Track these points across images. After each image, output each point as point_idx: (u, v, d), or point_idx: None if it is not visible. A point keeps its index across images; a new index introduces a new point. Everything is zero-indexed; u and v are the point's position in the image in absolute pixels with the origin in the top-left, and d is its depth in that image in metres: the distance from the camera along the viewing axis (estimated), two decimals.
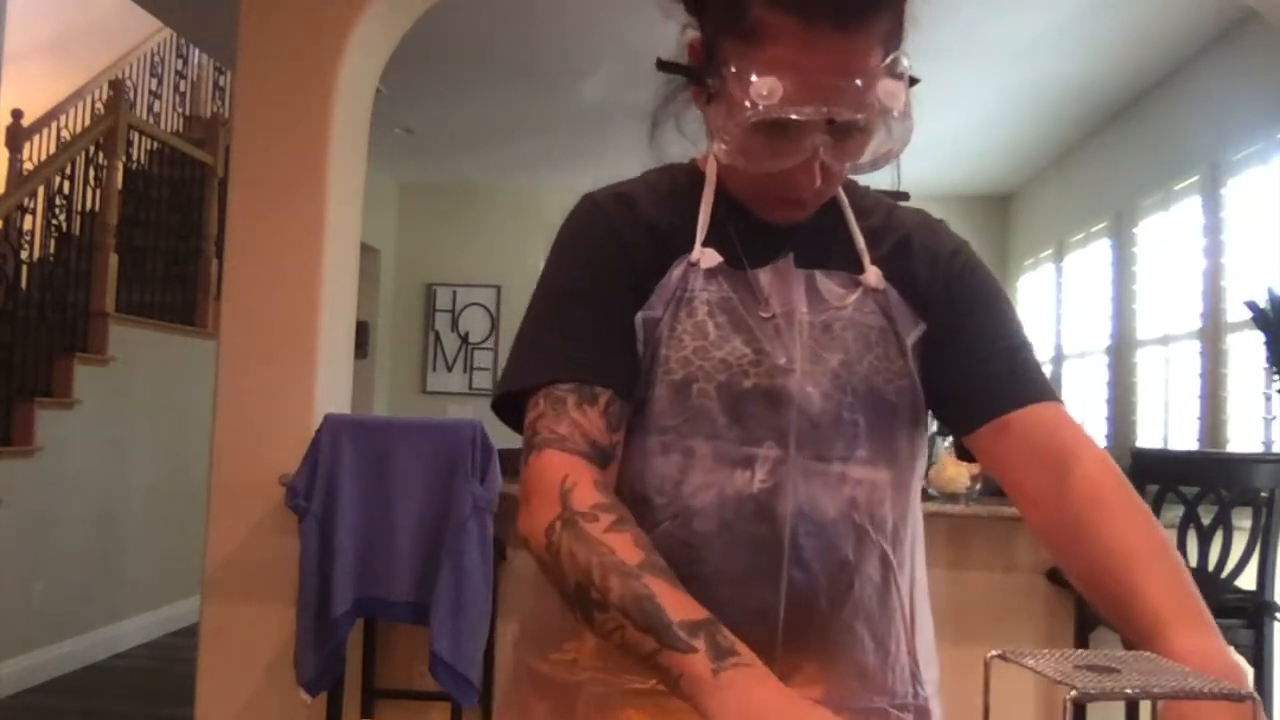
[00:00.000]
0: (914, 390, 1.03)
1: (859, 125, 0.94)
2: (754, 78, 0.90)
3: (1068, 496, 0.96)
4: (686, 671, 0.79)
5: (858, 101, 0.90)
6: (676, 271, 1.02)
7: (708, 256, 1.02)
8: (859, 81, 0.90)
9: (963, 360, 1.03)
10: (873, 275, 1.05)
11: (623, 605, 0.84)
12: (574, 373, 0.97)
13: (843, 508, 0.99)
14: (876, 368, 1.02)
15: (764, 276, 1.03)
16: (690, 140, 1.08)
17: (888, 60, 0.92)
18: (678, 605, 0.83)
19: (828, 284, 1.04)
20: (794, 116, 0.90)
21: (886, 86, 0.91)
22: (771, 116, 0.91)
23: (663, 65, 1.02)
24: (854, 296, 1.04)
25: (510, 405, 1.03)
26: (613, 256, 1.02)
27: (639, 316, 1.01)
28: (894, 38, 0.93)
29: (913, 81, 0.94)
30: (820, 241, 1.06)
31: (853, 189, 1.11)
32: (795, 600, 0.98)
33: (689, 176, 1.09)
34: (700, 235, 1.04)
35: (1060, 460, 0.97)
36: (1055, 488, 0.97)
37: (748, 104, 0.90)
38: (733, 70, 0.92)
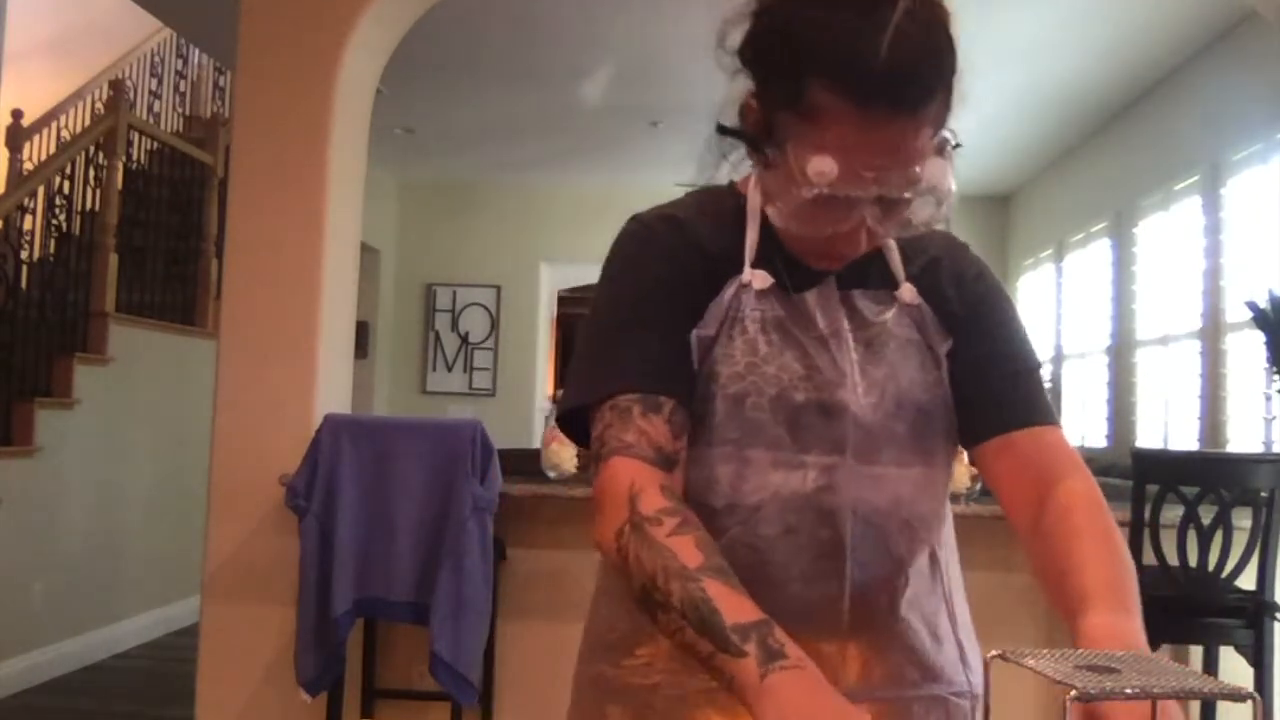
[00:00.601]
0: (946, 399, 1.10)
1: (906, 198, 0.99)
2: (812, 158, 0.94)
3: (1045, 505, 1.03)
4: (737, 675, 0.84)
5: (907, 181, 0.95)
6: (729, 292, 1.07)
7: (759, 278, 1.07)
8: (909, 162, 0.95)
9: (978, 377, 1.10)
10: (908, 292, 1.11)
11: (682, 608, 0.88)
12: (637, 383, 1.02)
13: (890, 506, 1.06)
14: (915, 379, 1.08)
15: (810, 298, 1.08)
16: (732, 164, 1.11)
17: (936, 140, 0.96)
18: (733, 608, 0.87)
19: (865, 302, 1.09)
20: (847, 194, 0.95)
21: (934, 165, 0.96)
22: (827, 192, 0.95)
23: (723, 130, 1.05)
24: (891, 312, 1.10)
25: (574, 420, 1.07)
26: (667, 275, 1.07)
27: (693, 334, 1.06)
28: (942, 117, 0.97)
29: (956, 147, 0.99)
30: (859, 262, 1.09)
31: None
32: (857, 595, 1.04)
33: (733, 200, 1.13)
34: (749, 256, 1.08)
35: (1049, 478, 1.05)
36: (1037, 498, 1.04)
37: (805, 180, 0.94)
38: (791, 147, 0.96)
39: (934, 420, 1.09)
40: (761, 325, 1.06)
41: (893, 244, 1.12)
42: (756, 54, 1.00)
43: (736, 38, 1.02)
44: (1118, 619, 0.91)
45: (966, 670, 1.11)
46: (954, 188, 0.98)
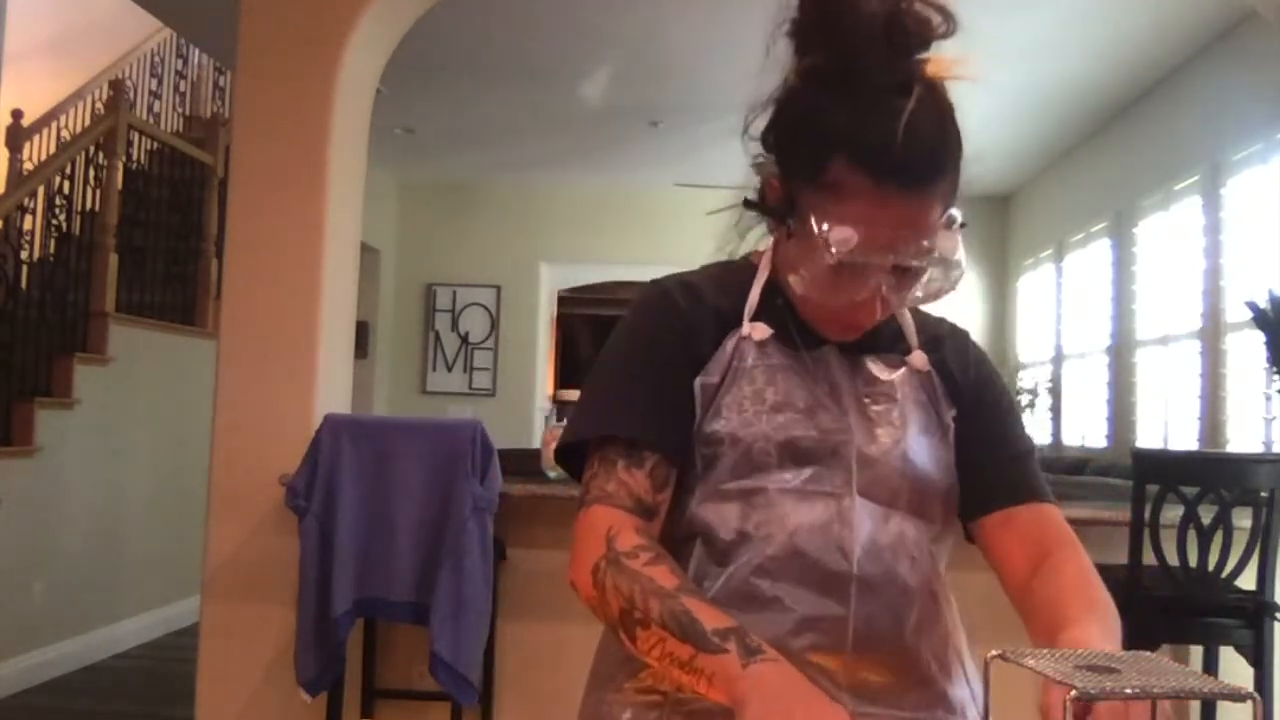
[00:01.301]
0: (950, 465, 1.15)
1: (919, 269, 1.06)
2: (835, 227, 1.02)
3: (1038, 569, 1.11)
4: (719, 670, 0.91)
5: (919, 251, 1.03)
6: (730, 343, 1.13)
7: (758, 330, 1.13)
8: (921, 234, 1.03)
9: (983, 456, 1.16)
10: (919, 359, 1.17)
11: (663, 621, 0.96)
12: (625, 433, 1.09)
13: (894, 539, 1.10)
14: (921, 440, 1.14)
15: (814, 357, 1.14)
16: (750, 243, 1.21)
17: (945, 217, 1.04)
18: (710, 617, 0.95)
19: (877, 365, 1.16)
20: (865, 262, 1.03)
21: (945, 239, 1.04)
22: (846, 261, 1.02)
23: (750, 204, 1.14)
24: (900, 373, 1.16)
25: (572, 455, 1.15)
26: (674, 335, 1.13)
27: (697, 383, 1.12)
28: (952, 195, 1.06)
29: (962, 226, 1.07)
30: (871, 330, 1.15)
31: None
32: (863, 620, 1.06)
33: (747, 269, 1.20)
34: (749, 312, 1.15)
35: (1046, 549, 1.13)
36: (1033, 567, 1.12)
37: (827, 250, 1.02)
38: (814, 218, 1.03)
39: (935, 484, 1.13)
40: (769, 375, 1.12)
41: (907, 312, 1.19)
42: (782, 133, 1.09)
43: (760, 124, 1.11)
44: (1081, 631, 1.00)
45: (976, 704, 1.13)
46: (963, 260, 1.07)
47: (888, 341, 1.18)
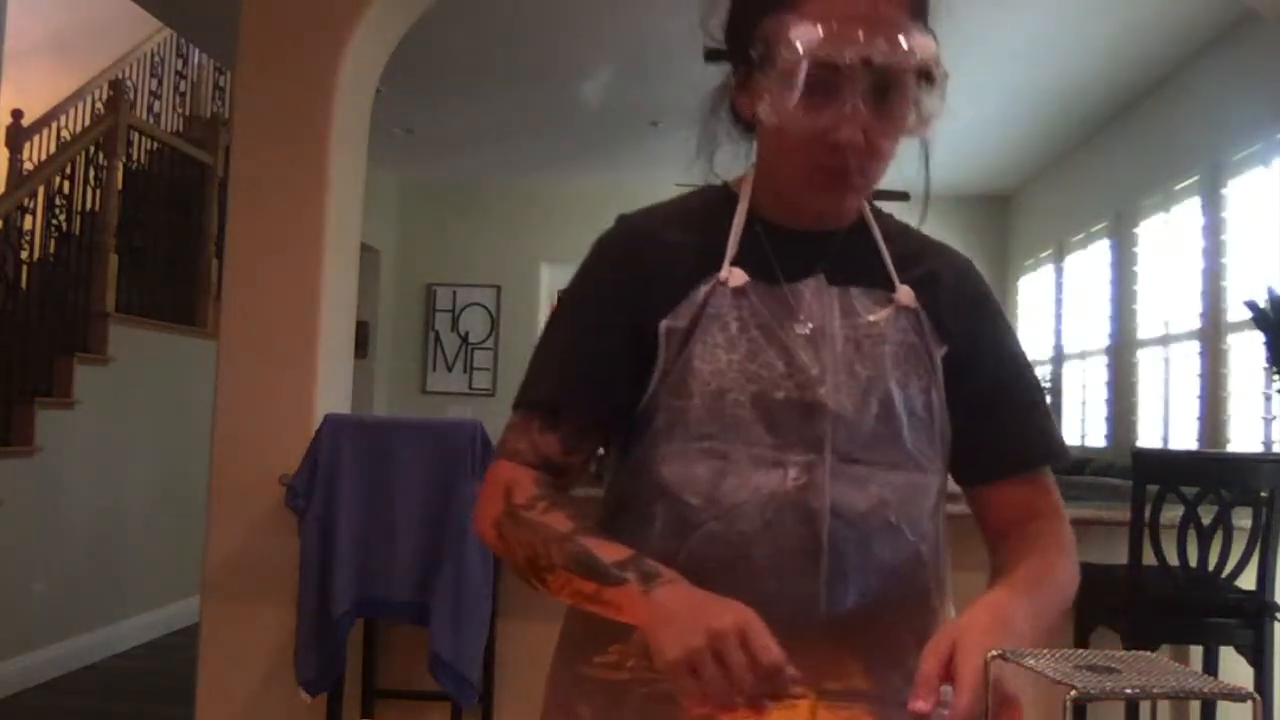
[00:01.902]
0: (940, 405, 1.11)
1: (896, 85, 1.01)
2: (794, 26, 0.99)
3: (1018, 532, 1.11)
4: (623, 599, 0.95)
5: (892, 45, 0.99)
6: (703, 289, 1.08)
7: (735, 276, 1.08)
8: (892, 29, 0.99)
9: (980, 414, 1.12)
10: (905, 294, 1.11)
11: (565, 563, 0.99)
12: (543, 397, 1.10)
13: (873, 505, 1.05)
14: (905, 382, 1.08)
15: (797, 292, 1.09)
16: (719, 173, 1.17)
17: (915, 18, 1.01)
18: (608, 551, 0.98)
19: (862, 300, 1.10)
20: (834, 59, 0.98)
21: (918, 38, 1.00)
22: (813, 57, 0.98)
23: (710, 53, 1.11)
24: (886, 312, 1.10)
25: None
26: (624, 287, 1.10)
27: (662, 325, 1.08)
28: (920, 6, 1.03)
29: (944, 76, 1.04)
30: (852, 260, 1.12)
31: (880, 216, 1.18)
32: (835, 595, 1.04)
33: (721, 197, 1.16)
34: (730, 253, 1.10)
35: (1030, 515, 1.13)
36: (1013, 529, 1.12)
37: (790, 51, 0.98)
38: (773, 28, 1.01)
39: (925, 426, 1.09)
40: (742, 324, 1.07)
41: (885, 248, 1.13)
42: None
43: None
44: (1003, 594, 0.99)
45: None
46: (944, 71, 1.03)
47: (872, 276, 1.13)
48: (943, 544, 1.13)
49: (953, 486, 1.16)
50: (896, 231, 1.17)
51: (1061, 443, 1.17)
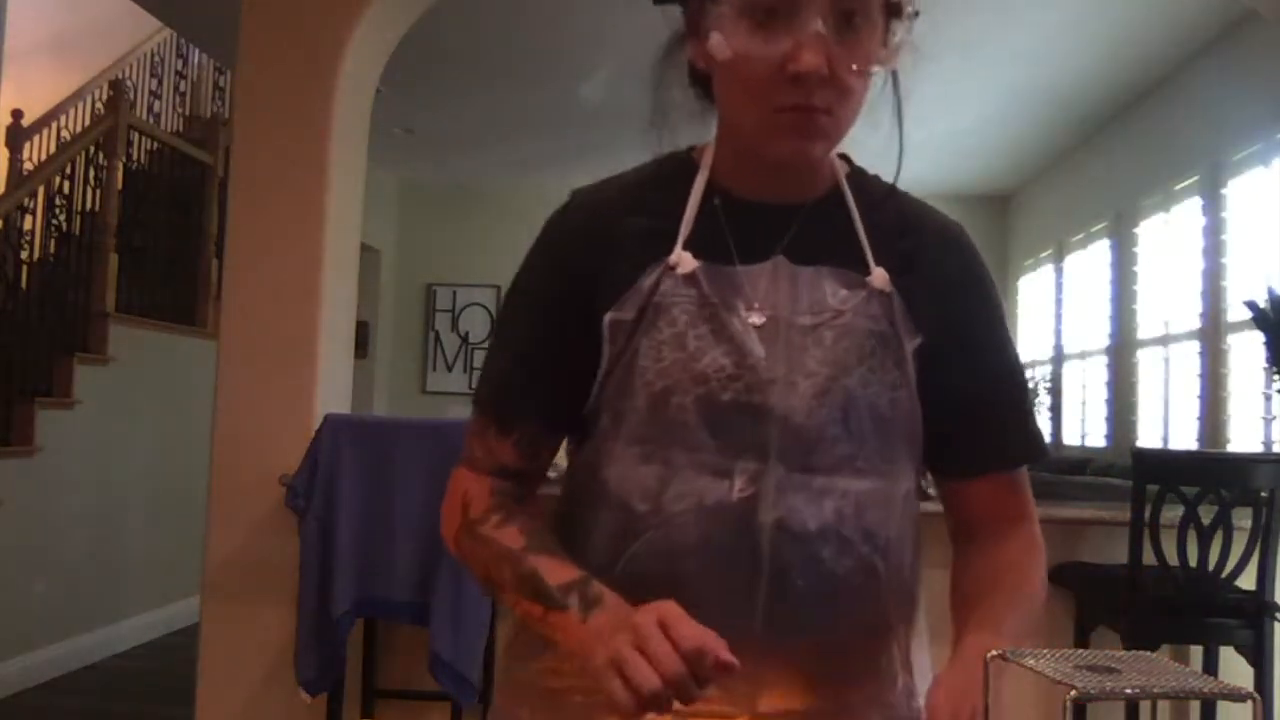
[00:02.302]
0: (910, 401, 1.02)
1: (861, 12, 0.94)
2: None
3: (986, 535, 1.08)
4: (566, 626, 0.93)
5: None
6: (650, 278, 1.01)
7: (684, 261, 1.00)
8: None
9: (955, 407, 1.04)
10: (879, 278, 1.02)
11: (515, 584, 0.98)
12: (496, 405, 1.07)
13: (827, 520, 0.98)
14: (869, 379, 0.99)
15: (753, 275, 1.01)
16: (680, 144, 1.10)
17: None
18: (554, 572, 0.96)
19: (830, 282, 1.01)
20: None
21: None
22: None
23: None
24: (856, 299, 1.00)
25: None
26: (568, 275, 1.04)
27: (607, 318, 1.01)
28: None
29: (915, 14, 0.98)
30: (822, 235, 1.03)
31: (860, 181, 1.08)
32: (777, 612, 0.97)
33: (679, 167, 1.08)
34: (683, 234, 1.02)
35: (1000, 516, 1.08)
36: (981, 529, 1.08)
37: None
38: None
39: (892, 426, 1.01)
40: (690, 317, 0.99)
41: (860, 222, 1.04)
42: None
43: None
44: (982, 637, 0.93)
45: (912, 698, 1.04)
46: (915, 5, 0.96)
47: (844, 254, 1.02)
48: (912, 549, 1.05)
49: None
50: (878, 198, 1.07)
51: (1040, 440, 1.10)
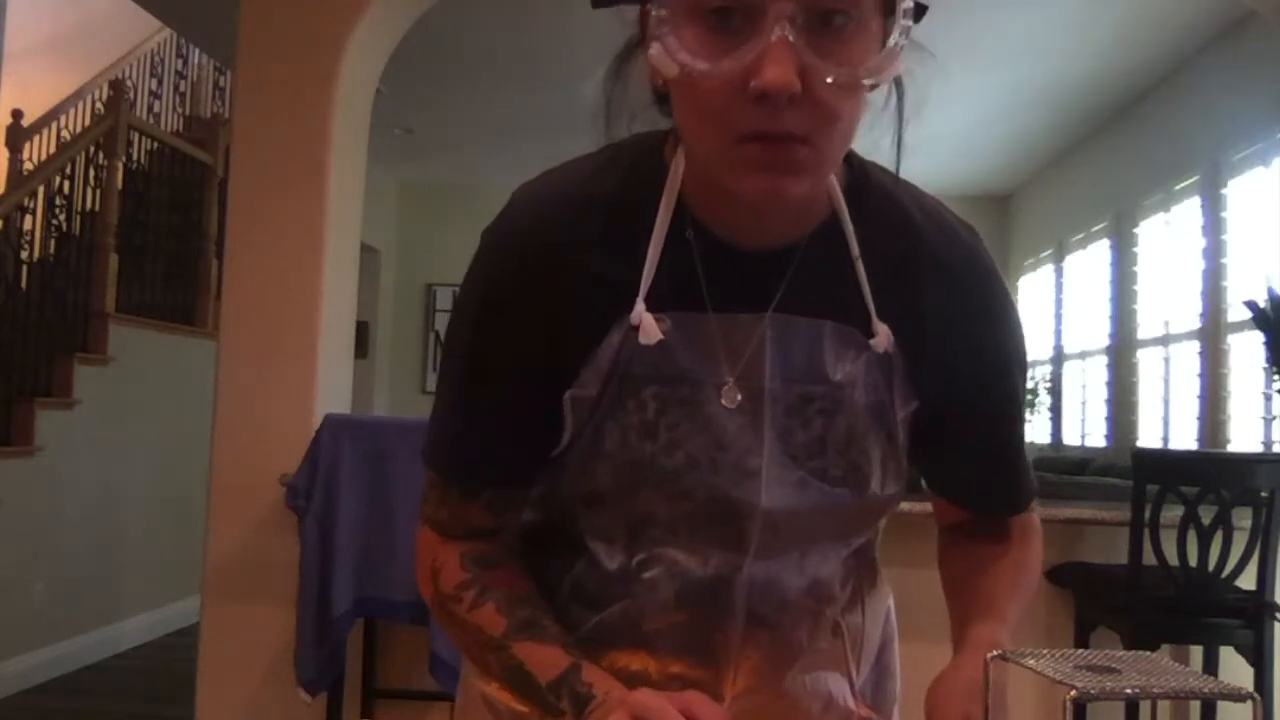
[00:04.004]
0: (899, 468, 0.93)
1: (843, 11, 0.75)
2: None
3: (978, 538, 1.03)
4: None
5: None
6: (613, 341, 0.86)
7: (646, 328, 0.85)
8: None
9: (942, 454, 0.98)
10: (883, 339, 0.88)
11: (503, 676, 0.90)
12: (460, 470, 0.95)
13: (800, 592, 0.94)
14: (858, 461, 0.89)
15: (733, 331, 0.86)
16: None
17: None
18: (542, 665, 0.87)
19: (829, 345, 0.88)
20: None
21: None
22: None
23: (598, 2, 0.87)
24: (855, 368, 0.88)
25: None
26: (521, 338, 0.89)
27: (568, 396, 0.88)
28: None
29: (920, 10, 0.79)
30: (817, 280, 0.88)
31: (861, 189, 0.91)
32: (744, 670, 0.95)
33: (648, 175, 0.89)
34: (645, 284, 0.86)
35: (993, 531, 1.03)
36: (974, 529, 1.04)
37: None
38: None
39: (876, 503, 0.92)
40: (661, 402, 0.86)
41: (862, 268, 0.89)
42: None
43: None
44: (988, 628, 0.90)
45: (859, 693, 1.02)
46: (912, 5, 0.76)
47: (843, 304, 0.88)
48: (868, 568, 1.03)
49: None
50: (883, 222, 0.90)
51: (1030, 489, 1.02)
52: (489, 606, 0.90)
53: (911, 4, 0.77)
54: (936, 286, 0.90)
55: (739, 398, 0.86)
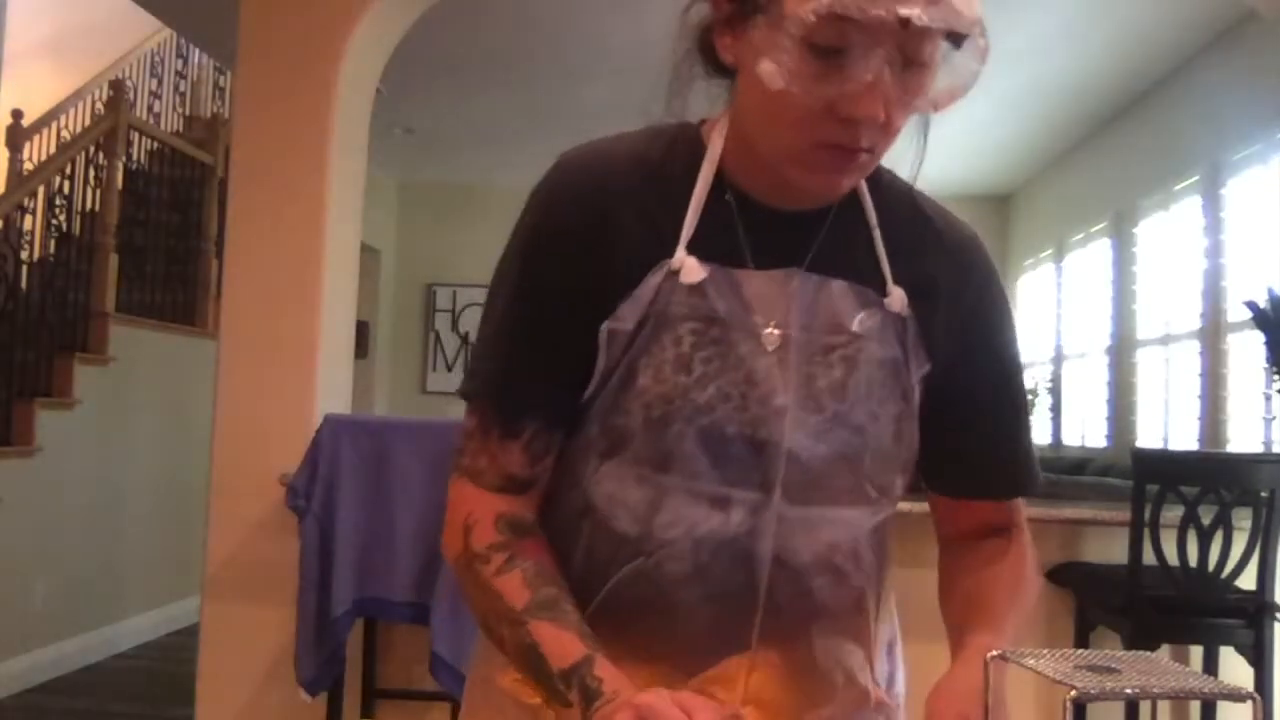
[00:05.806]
0: (911, 431, 0.98)
1: (927, 51, 0.84)
2: None
3: (978, 543, 1.05)
4: (566, 716, 0.86)
5: (937, 1, 0.80)
6: (653, 281, 0.92)
7: (689, 269, 0.92)
8: None
9: (948, 434, 1.01)
10: (897, 300, 0.96)
11: (515, 651, 0.91)
12: (502, 401, 0.97)
13: (820, 551, 0.96)
14: (876, 412, 0.95)
15: (765, 284, 0.94)
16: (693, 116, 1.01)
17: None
18: (557, 651, 0.88)
19: (847, 299, 0.95)
20: (864, 12, 0.79)
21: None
22: (837, 11, 0.80)
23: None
24: (872, 323, 0.95)
25: None
26: (565, 270, 0.94)
27: (604, 328, 0.93)
28: None
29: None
30: (839, 246, 0.96)
31: (879, 181, 1.01)
32: (766, 640, 0.96)
33: (688, 147, 0.97)
34: (687, 233, 0.93)
35: (992, 527, 1.06)
36: (973, 536, 1.06)
37: (806, 7, 0.80)
38: None
39: (893, 457, 0.97)
40: (697, 337, 0.92)
41: (879, 237, 0.98)
42: None
43: None
44: (986, 638, 0.92)
45: (886, 714, 1.04)
46: (983, 24, 0.85)
47: (862, 269, 0.96)
48: (888, 564, 1.05)
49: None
50: (895, 202, 1.00)
51: (1035, 473, 1.06)
52: (516, 574, 0.92)
53: (984, 44, 0.86)
54: (944, 261, 1.00)
55: (772, 343, 0.93)
